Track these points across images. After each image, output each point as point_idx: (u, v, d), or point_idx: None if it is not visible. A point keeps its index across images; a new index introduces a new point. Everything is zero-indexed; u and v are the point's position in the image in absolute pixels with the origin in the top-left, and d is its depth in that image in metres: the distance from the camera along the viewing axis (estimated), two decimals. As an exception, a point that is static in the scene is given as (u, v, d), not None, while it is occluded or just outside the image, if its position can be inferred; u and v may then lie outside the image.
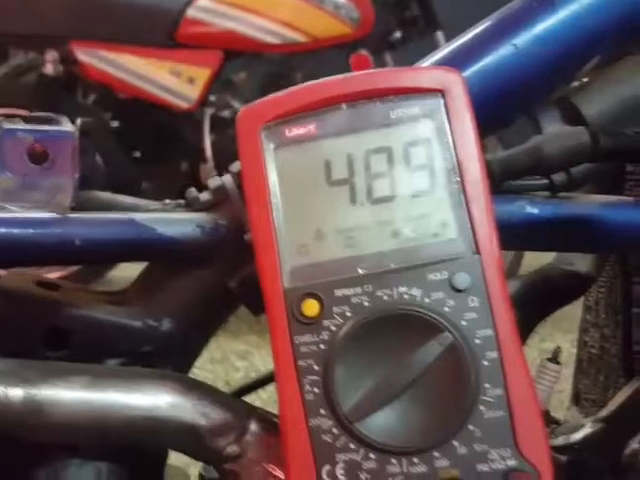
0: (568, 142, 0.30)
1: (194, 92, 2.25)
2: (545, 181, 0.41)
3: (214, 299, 0.38)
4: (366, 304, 0.27)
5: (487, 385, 0.26)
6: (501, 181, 0.31)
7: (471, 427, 0.26)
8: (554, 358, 0.45)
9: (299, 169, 0.30)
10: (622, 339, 0.56)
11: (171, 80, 2.26)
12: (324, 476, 0.26)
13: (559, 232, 0.40)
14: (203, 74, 2.25)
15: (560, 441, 0.47)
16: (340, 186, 0.29)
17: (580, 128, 0.30)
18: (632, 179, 0.61)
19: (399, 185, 0.29)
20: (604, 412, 0.47)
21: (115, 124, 2.39)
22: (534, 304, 0.48)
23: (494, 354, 0.27)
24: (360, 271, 0.28)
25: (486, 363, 0.26)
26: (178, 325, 0.37)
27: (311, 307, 0.28)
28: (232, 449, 0.32)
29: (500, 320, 0.27)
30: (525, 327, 0.47)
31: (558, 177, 0.41)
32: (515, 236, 0.40)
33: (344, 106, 0.29)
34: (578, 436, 0.46)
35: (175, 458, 0.49)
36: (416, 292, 0.27)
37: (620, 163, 0.36)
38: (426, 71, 0.32)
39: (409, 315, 0.27)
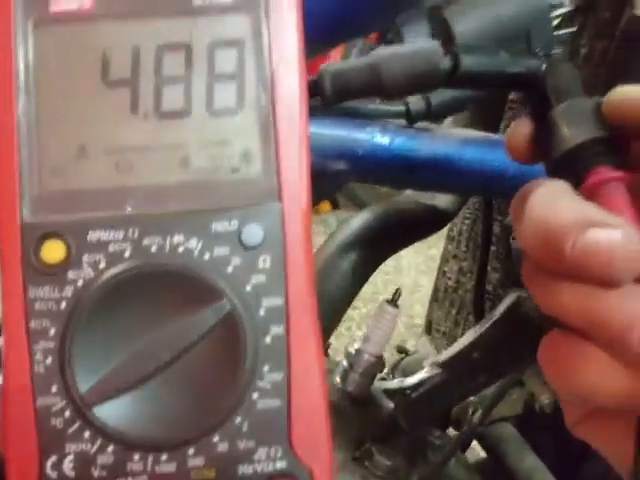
0: (413, 61, 0.24)
1: None
2: (402, 107, 0.35)
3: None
4: (127, 254, 0.21)
5: (266, 368, 0.21)
6: (334, 100, 0.25)
7: (238, 420, 0.21)
8: (393, 300, 0.42)
9: (66, 59, 0.22)
10: (477, 276, 0.55)
11: None
12: (48, 469, 0.21)
13: (409, 169, 0.35)
14: None
15: (394, 384, 0.45)
16: (119, 89, 0.22)
17: (435, 47, 0.24)
18: (513, 108, 0.56)
19: (197, 97, 0.22)
20: (442, 357, 0.45)
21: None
22: (385, 238, 0.43)
23: (280, 329, 0.21)
24: (128, 209, 0.21)
25: (268, 340, 0.21)
26: None
27: (54, 251, 0.21)
28: None
29: (295, 287, 0.21)
30: (370, 262, 0.43)
31: (416, 105, 0.35)
32: (359, 167, 0.34)
33: None
34: (411, 381, 0.44)
35: None
36: (195, 245, 0.21)
37: (484, 91, 0.31)
38: None
39: (180, 274, 0.21)
